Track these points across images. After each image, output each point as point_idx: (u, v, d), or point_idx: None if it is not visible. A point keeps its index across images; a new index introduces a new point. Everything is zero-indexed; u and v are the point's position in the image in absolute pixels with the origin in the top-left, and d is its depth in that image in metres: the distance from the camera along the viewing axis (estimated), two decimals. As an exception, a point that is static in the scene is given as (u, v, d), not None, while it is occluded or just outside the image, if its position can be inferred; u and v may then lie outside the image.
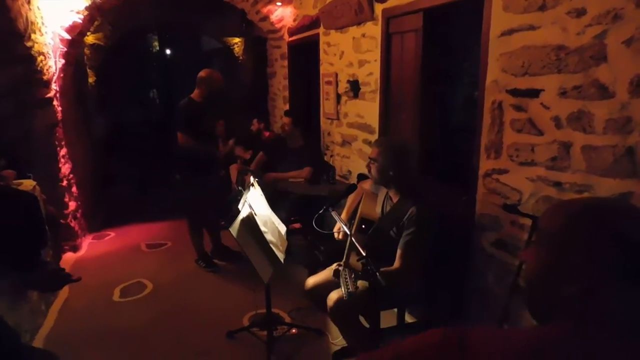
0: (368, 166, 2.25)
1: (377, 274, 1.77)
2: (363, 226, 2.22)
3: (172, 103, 8.44)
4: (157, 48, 10.48)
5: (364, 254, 1.87)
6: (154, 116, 8.67)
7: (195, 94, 3.39)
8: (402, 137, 3.13)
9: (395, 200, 2.23)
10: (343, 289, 1.83)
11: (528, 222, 1.99)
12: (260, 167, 4.13)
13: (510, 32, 2.11)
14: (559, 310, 0.70)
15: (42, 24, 3.61)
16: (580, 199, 0.76)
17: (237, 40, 7.76)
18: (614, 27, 1.64)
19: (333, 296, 2.13)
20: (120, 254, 4.12)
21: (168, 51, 10.68)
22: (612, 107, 1.67)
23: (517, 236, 2.20)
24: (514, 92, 2.12)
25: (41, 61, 3.54)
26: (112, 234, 4.61)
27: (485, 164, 2.37)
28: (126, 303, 3.20)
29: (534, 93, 2.00)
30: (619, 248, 0.65)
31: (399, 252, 2.10)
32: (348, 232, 2.07)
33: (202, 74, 3.38)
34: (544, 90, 1.95)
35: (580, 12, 1.76)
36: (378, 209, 2.34)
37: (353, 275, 1.85)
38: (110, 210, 5.03)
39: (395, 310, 2.47)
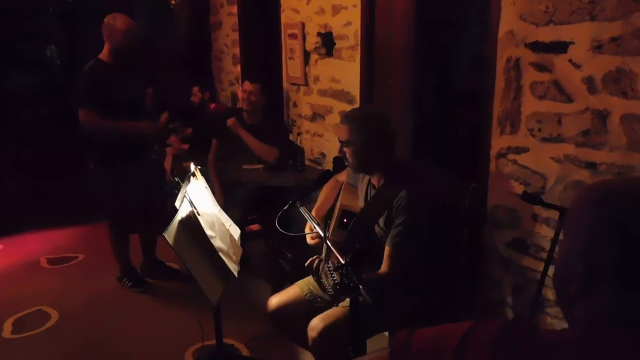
0: (341, 152, 2.26)
1: (361, 287, 1.77)
2: (345, 220, 2.24)
3: (79, 64, 8.13)
4: (56, -11, 10.05)
5: (342, 261, 1.86)
6: (53, 82, 8.33)
7: (103, 53, 3.29)
8: (377, 105, 3.15)
9: (379, 185, 2.26)
10: (326, 285, 1.90)
11: (555, 215, 2.04)
12: (219, 158, 4.07)
13: (529, -34, 2.14)
14: (569, 313, 0.80)
15: None
16: (611, 181, 0.82)
17: (167, -22, 7.54)
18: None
19: (317, 324, 2.13)
20: (11, 272, 3.99)
21: (71, -7, 10.26)
22: (659, 64, 1.73)
23: (541, 234, 2.26)
24: (535, 47, 2.15)
25: None
26: None
27: (498, 141, 2.41)
28: (22, 340, 3.10)
29: (560, 47, 2.04)
30: (618, 244, 0.73)
31: (387, 250, 2.13)
32: (322, 235, 2.06)
33: (106, 19, 3.25)
34: (573, 43, 1.99)
35: (618, -60, 1.80)
36: (361, 202, 2.35)
37: (333, 274, 1.89)
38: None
39: (387, 334, 2.49)
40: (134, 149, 3.36)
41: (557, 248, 2.01)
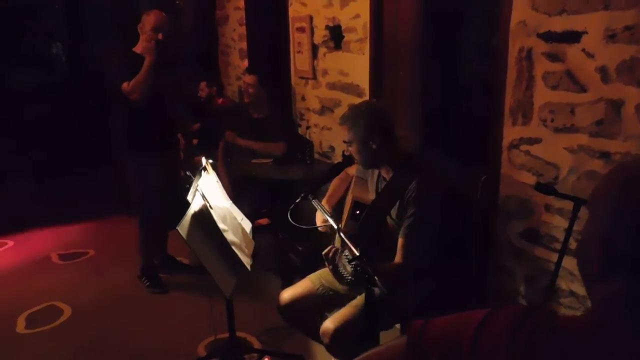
0: (347, 151, 2.32)
1: (376, 278, 1.79)
2: (357, 212, 2.26)
3: (85, 62, 8.11)
4: (60, -14, 10.07)
5: (357, 253, 1.88)
6: (59, 80, 8.36)
7: (137, 46, 3.37)
8: (371, 100, 3.18)
9: (389, 177, 2.28)
10: (344, 273, 2.00)
11: (568, 205, 2.04)
12: (228, 153, 4.08)
13: (541, -45, 2.13)
14: (589, 294, 0.80)
15: None
16: None
17: (171, -27, 7.55)
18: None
19: (328, 328, 2.16)
20: (22, 268, 4.02)
21: (76, -10, 10.28)
22: (674, 52, 1.72)
23: (554, 224, 2.26)
24: (548, 37, 2.15)
25: None
26: (10, 243, 4.50)
27: (510, 132, 2.41)
28: (36, 335, 3.13)
29: (573, 37, 2.04)
30: (637, 235, 0.72)
31: (400, 241, 2.16)
32: (335, 226, 2.08)
33: (145, 16, 3.37)
34: (586, 32, 1.99)
35: None
36: (372, 195, 2.37)
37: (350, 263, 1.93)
38: (3, 212, 4.86)
39: (398, 326, 2.50)
40: (160, 139, 3.43)
41: (571, 238, 2.02)
